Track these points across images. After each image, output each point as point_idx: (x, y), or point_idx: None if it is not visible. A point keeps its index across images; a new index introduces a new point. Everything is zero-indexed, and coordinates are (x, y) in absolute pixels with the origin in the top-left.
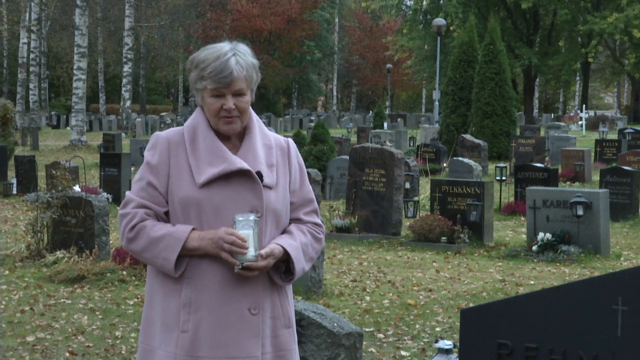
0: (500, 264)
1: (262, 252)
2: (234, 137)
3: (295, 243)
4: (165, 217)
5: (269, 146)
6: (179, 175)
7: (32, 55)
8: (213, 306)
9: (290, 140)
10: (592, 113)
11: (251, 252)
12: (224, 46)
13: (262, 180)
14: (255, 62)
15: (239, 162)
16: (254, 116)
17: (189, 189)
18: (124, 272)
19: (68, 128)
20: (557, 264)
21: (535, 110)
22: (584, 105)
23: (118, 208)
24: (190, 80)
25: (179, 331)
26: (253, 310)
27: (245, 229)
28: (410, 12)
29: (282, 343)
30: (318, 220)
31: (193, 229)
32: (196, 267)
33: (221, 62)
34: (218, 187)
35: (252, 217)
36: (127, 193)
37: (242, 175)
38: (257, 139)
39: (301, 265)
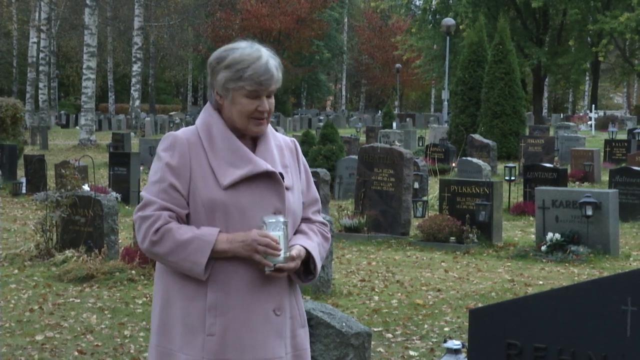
0: (509, 264)
1: (293, 253)
2: (248, 137)
3: (313, 243)
4: (186, 220)
5: (280, 147)
6: (201, 177)
7: (41, 55)
8: (240, 308)
9: (295, 140)
10: (601, 113)
11: (282, 254)
12: (258, 47)
13: (283, 181)
14: (281, 64)
15: (263, 164)
16: None
17: (213, 191)
18: (133, 272)
19: (77, 127)
20: (566, 264)
21: (545, 110)
22: (593, 105)
23: (128, 208)
24: (218, 80)
25: (204, 334)
26: (277, 312)
27: (275, 231)
28: (420, 11)
29: (299, 343)
30: (323, 219)
31: (219, 231)
32: (222, 270)
33: (262, 64)
34: (243, 189)
35: (281, 219)
36: (145, 195)
37: (265, 177)
38: (271, 139)
39: (320, 265)
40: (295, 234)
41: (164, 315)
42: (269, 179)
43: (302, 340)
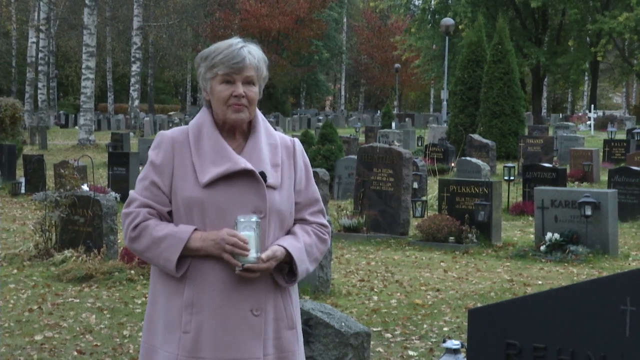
0: (508, 264)
1: (263, 255)
2: (239, 136)
3: (299, 244)
4: (169, 217)
5: (274, 146)
6: (182, 175)
7: (40, 55)
8: (215, 307)
9: (296, 140)
10: (600, 113)
11: (252, 254)
12: (235, 39)
13: (265, 180)
14: (266, 58)
15: (242, 162)
16: (260, 115)
17: (192, 189)
18: (132, 271)
19: (76, 127)
20: (565, 264)
21: (544, 110)
22: (592, 105)
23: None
24: (200, 74)
25: (180, 332)
26: (255, 312)
27: (246, 230)
28: (419, 11)
29: (285, 345)
30: (324, 221)
31: (195, 229)
32: (199, 268)
33: (233, 50)
34: (221, 187)
35: (254, 218)
36: (131, 192)
37: (245, 175)
38: (262, 138)
39: (305, 266)
40: (287, 234)
41: (151, 312)
42: (249, 178)
43: (289, 342)
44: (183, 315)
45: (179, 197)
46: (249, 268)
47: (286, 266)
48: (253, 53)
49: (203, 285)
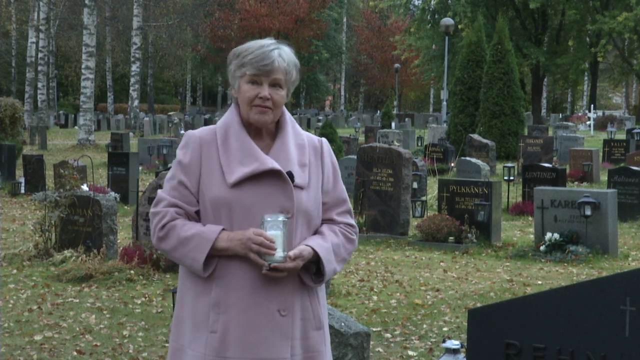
0: (507, 264)
1: (291, 253)
2: (266, 135)
3: (326, 244)
4: (197, 217)
5: (302, 145)
6: (210, 175)
7: (40, 55)
8: (242, 307)
9: (324, 140)
10: (600, 113)
11: (279, 253)
12: (269, 40)
13: (293, 180)
14: (297, 62)
15: (270, 162)
16: (288, 115)
17: (219, 189)
18: (132, 272)
19: (76, 127)
20: (565, 264)
21: (544, 110)
22: (592, 105)
23: (127, 208)
24: (230, 71)
25: (208, 331)
26: (282, 312)
27: (273, 230)
28: (419, 11)
29: (312, 345)
30: (351, 221)
31: (223, 229)
32: (226, 268)
33: (264, 51)
34: (249, 187)
35: (280, 217)
36: (159, 192)
37: (273, 175)
38: (289, 138)
39: (332, 266)
40: (314, 234)
41: (178, 312)
42: (276, 178)
43: (316, 342)
44: (210, 314)
45: (206, 197)
46: (276, 267)
47: (313, 266)
48: (284, 56)
49: (230, 285)
